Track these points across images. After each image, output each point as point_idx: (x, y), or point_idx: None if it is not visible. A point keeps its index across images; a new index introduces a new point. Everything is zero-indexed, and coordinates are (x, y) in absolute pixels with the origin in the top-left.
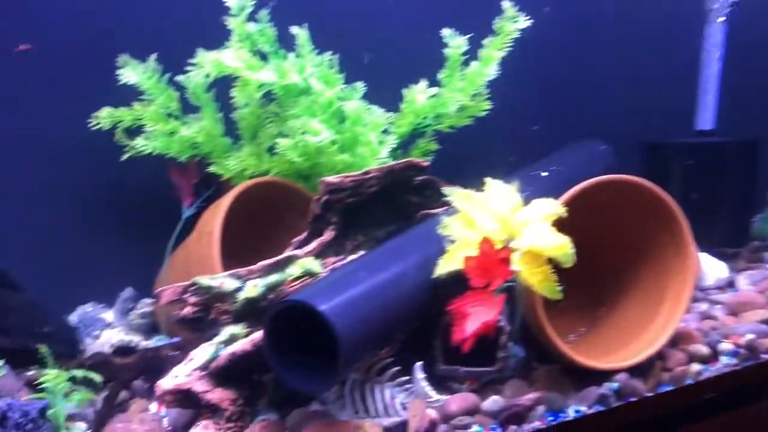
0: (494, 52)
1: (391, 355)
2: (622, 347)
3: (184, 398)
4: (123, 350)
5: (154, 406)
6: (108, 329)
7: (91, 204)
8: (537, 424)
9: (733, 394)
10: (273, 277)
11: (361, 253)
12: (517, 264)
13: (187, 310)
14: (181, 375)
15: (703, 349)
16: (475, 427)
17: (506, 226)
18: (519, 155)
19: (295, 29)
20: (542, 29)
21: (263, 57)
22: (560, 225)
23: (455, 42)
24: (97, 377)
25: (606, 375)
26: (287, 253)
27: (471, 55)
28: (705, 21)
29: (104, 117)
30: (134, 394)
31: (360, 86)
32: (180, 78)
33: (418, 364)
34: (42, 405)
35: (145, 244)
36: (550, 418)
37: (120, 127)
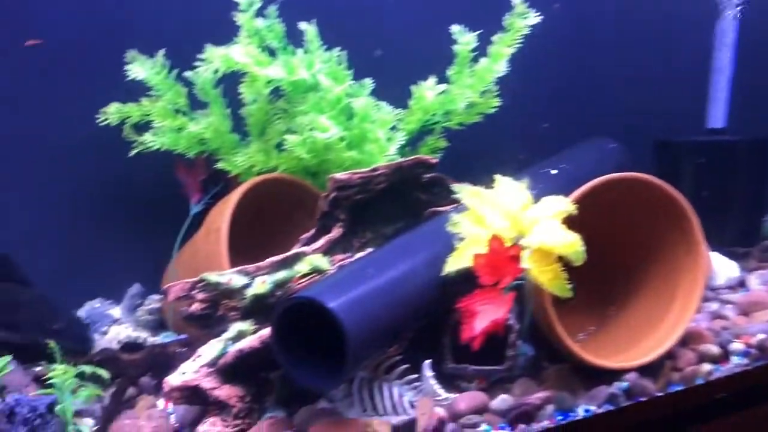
0: (504, 49)
1: (399, 353)
2: (631, 346)
3: (192, 395)
4: (130, 346)
5: (161, 403)
6: (115, 325)
7: (99, 200)
8: (546, 423)
9: (744, 394)
10: (281, 274)
11: (369, 250)
12: (526, 262)
13: (195, 307)
14: (189, 372)
15: (714, 349)
16: (483, 426)
17: (516, 223)
18: (528, 153)
19: (303, 25)
20: (552, 26)
21: (272, 53)
22: (570, 223)
23: (464, 38)
24: (104, 373)
25: (616, 374)
26: (295, 249)
27: (480, 51)
28: (716, 18)
29: (112, 113)
30: (142, 390)
31: (368, 83)
32: (188, 74)
33: (427, 362)
34: (50, 400)
35: (152, 240)
36: (559, 418)
37: (128, 122)
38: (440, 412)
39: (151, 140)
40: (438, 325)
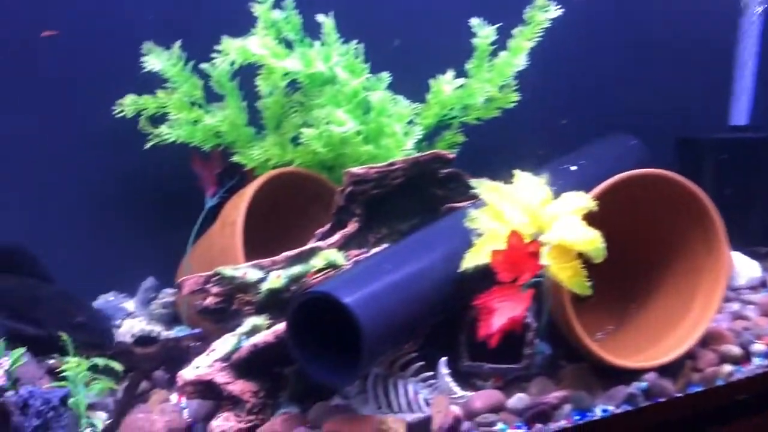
0: (524, 43)
1: (414, 350)
2: (651, 346)
3: (206, 389)
4: (144, 340)
5: (174, 397)
6: (129, 319)
7: (113, 193)
8: (563, 423)
9: (765, 396)
10: (296, 269)
11: (385, 245)
12: (546, 258)
13: (210, 301)
14: (203, 366)
15: (735, 350)
16: (499, 425)
17: (535, 219)
18: (548, 149)
19: (320, 17)
20: (573, 19)
21: (288, 45)
22: (591, 219)
23: (484, 32)
24: (118, 366)
25: (634, 374)
26: (310, 244)
27: (500, 45)
28: (740, 14)
29: (128, 105)
30: (155, 384)
31: (385, 76)
32: (204, 66)
33: (443, 359)
34: (63, 393)
35: (167, 233)
36: (577, 417)
37: (144, 115)
38: (456, 410)
39: (166, 132)
40: (454, 322)
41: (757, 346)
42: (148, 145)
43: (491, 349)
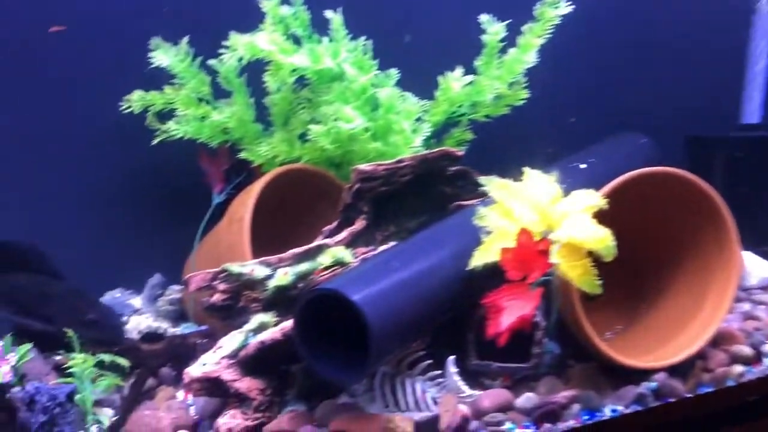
0: (534, 39)
1: (422, 348)
2: (661, 346)
3: (212, 386)
4: (151, 337)
5: (181, 394)
6: (136, 315)
7: (120, 189)
8: (572, 423)
9: None
10: (303, 266)
11: (393, 243)
12: (555, 256)
13: (217, 297)
14: (210, 363)
15: (746, 350)
16: (508, 425)
17: (545, 217)
18: (557, 147)
19: (329, 13)
20: (584, 16)
21: (297, 41)
22: (600, 217)
23: (493, 28)
24: (124, 362)
25: (644, 374)
26: (318, 241)
27: (509, 42)
28: (751, 12)
29: (135, 100)
30: (161, 381)
31: (394, 73)
32: (212, 62)
33: (451, 358)
34: (69, 389)
35: (173, 230)
36: (586, 417)
37: (151, 111)
38: (464, 409)
39: (174, 128)
40: (462, 320)
41: None
42: (156, 141)
43: (499, 348)
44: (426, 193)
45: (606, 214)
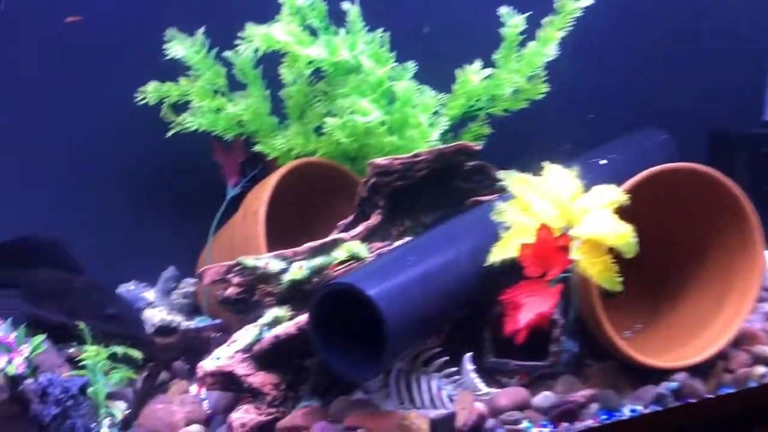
0: (554, 32)
1: (438, 345)
2: (681, 345)
3: (226, 381)
4: (164, 330)
5: (194, 388)
6: (149, 308)
7: (134, 181)
8: (590, 422)
9: None
10: (318, 260)
11: (408, 238)
12: (576, 253)
13: (231, 291)
14: (224, 357)
15: None
16: (525, 423)
17: (565, 212)
18: (575, 143)
19: (346, 5)
20: (605, 10)
21: (313, 33)
22: (621, 214)
23: (513, 21)
24: (137, 354)
25: (664, 374)
26: (333, 236)
27: (529, 35)
28: None
29: (150, 92)
30: (175, 375)
31: (411, 66)
32: (228, 54)
33: (468, 355)
34: (82, 382)
35: (188, 223)
36: (604, 417)
37: (166, 102)
38: (480, 407)
39: (189, 121)
40: (479, 317)
41: None
42: (170, 133)
43: (516, 346)
44: (442, 188)
45: (627, 211)
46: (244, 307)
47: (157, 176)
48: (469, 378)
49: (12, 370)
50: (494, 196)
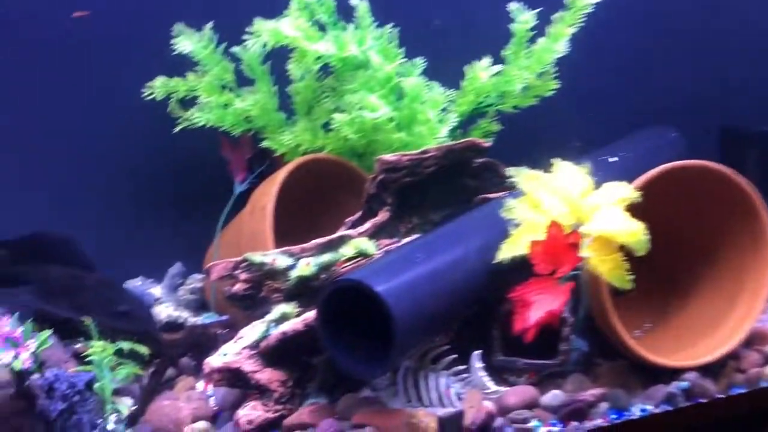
0: (564, 28)
1: (446, 343)
2: (692, 344)
3: (233, 377)
4: (171, 326)
5: (201, 385)
6: (156, 304)
7: (141, 177)
8: (599, 421)
9: None
10: (326, 257)
11: (416, 235)
12: (586, 250)
13: (238, 287)
14: (230, 353)
15: None
16: (534, 422)
17: (576, 209)
18: (584, 140)
19: (354, 0)
20: (616, 5)
21: (321, 28)
22: (632, 211)
23: (523, 17)
24: (143, 349)
25: (675, 373)
26: (341, 232)
27: (539, 31)
28: None
29: (158, 87)
30: (181, 371)
31: (420, 62)
32: (236, 49)
33: (476, 353)
34: (88, 377)
35: (195, 219)
36: (614, 416)
37: (173, 98)
38: (489, 405)
39: (196, 116)
40: (487, 314)
41: None
42: (178, 128)
43: (525, 344)
44: (451, 185)
45: (638, 208)
46: (251, 304)
47: (165, 172)
48: (478, 376)
49: (18, 365)
50: (503, 193)
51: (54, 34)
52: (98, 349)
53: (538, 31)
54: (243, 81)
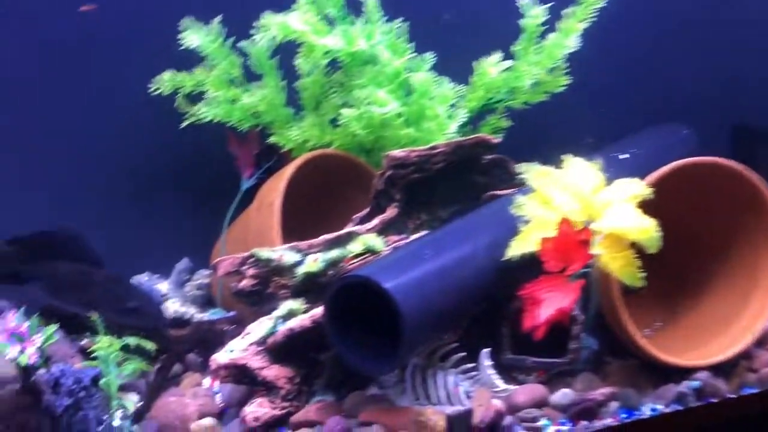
0: (576, 24)
1: (455, 341)
2: (703, 343)
3: (239, 374)
4: (177, 322)
5: (207, 381)
6: (163, 300)
7: (148, 172)
8: (609, 421)
9: None
10: (333, 253)
11: (425, 232)
12: (597, 247)
13: (245, 283)
14: (237, 349)
15: None
16: (543, 421)
17: (587, 206)
18: (596, 137)
19: None
20: (626, 2)
21: (330, 23)
22: (644, 208)
23: (533, 11)
24: (150, 345)
25: (686, 372)
26: (348, 228)
27: (550, 26)
28: None
29: (165, 82)
30: (188, 367)
31: (429, 57)
32: (243, 43)
33: (485, 351)
34: (94, 373)
35: (202, 214)
36: (624, 416)
37: (180, 92)
38: (498, 404)
39: (204, 111)
40: (496, 312)
41: None
42: (185, 123)
43: (535, 342)
44: (460, 182)
45: (650, 205)
46: (258, 300)
47: (171, 168)
48: (487, 374)
49: (24, 360)
50: (512, 190)
51: (61, 30)
52: (104, 344)
53: (549, 26)
54: (251, 76)
